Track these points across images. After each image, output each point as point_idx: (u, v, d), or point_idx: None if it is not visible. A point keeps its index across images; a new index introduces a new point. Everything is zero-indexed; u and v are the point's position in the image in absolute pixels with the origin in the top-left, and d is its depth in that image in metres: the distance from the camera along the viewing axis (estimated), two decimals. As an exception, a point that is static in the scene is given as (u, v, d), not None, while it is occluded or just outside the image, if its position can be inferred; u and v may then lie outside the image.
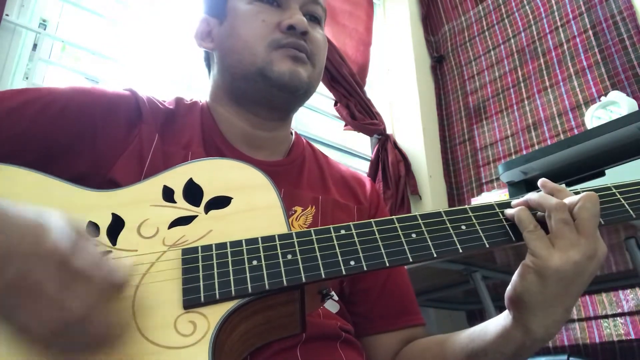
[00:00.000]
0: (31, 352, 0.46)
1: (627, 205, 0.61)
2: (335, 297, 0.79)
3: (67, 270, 0.45)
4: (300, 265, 0.55)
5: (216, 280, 0.53)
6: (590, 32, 2.25)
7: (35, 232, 0.45)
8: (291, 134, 0.91)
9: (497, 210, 0.62)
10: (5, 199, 0.47)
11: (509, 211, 0.61)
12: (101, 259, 0.47)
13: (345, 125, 2.56)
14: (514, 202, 0.62)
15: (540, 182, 0.62)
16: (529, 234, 0.57)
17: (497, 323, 0.64)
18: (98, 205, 0.59)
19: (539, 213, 0.60)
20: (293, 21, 0.77)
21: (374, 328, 0.81)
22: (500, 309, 0.67)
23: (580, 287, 0.57)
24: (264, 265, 0.55)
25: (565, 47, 2.34)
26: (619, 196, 0.62)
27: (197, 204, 0.61)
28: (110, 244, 0.56)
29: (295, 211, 0.78)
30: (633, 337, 1.84)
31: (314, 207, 0.80)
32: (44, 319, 0.44)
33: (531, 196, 0.60)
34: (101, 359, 0.48)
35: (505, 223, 0.61)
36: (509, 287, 0.60)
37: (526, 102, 2.44)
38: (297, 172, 0.85)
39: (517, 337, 0.61)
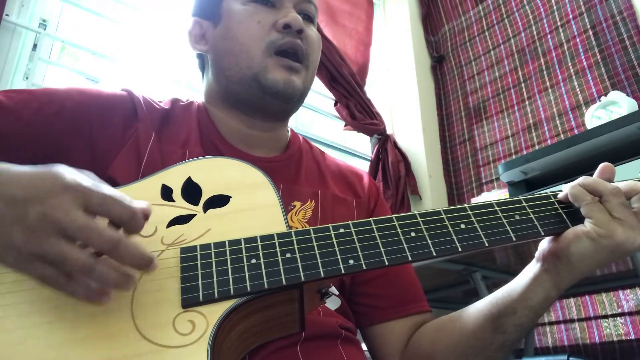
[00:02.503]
0: (59, 296, 0.47)
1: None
2: (336, 292, 0.79)
3: (90, 202, 0.46)
4: (299, 264, 0.55)
5: (215, 279, 0.53)
6: (590, 32, 2.25)
7: (49, 175, 0.47)
8: (287, 130, 0.91)
9: (496, 208, 0.62)
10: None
11: (562, 194, 0.63)
12: (119, 192, 0.49)
13: (345, 125, 2.56)
14: (566, 185, 0.63)
15: (601, 165, 0.63)
16: (589, 206, 0.59)
17: (527, 276, 0.65)
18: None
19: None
20: (288, 19, 0.78)
21: (384, 316, 0.80)
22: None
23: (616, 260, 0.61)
24: (262, 264, 0.54)
25: (565, 47, 2.34)
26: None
27: (196, 203, 0.61)
28: None
29: (295, 206, 0.78)
30: (633, 337, 1.84)
31: (313, 201, 0.80)
32: (74, 255, 0.44)
33: (584, 180, 0.62)
34: (102, 354, 0.48)
35: (504, 221, 0.61)
36: (553, 241, 0.62)
37: (526, 102, 2.44)
38: (295, 167, 0.85)
39: (547, 286, 0.63)
